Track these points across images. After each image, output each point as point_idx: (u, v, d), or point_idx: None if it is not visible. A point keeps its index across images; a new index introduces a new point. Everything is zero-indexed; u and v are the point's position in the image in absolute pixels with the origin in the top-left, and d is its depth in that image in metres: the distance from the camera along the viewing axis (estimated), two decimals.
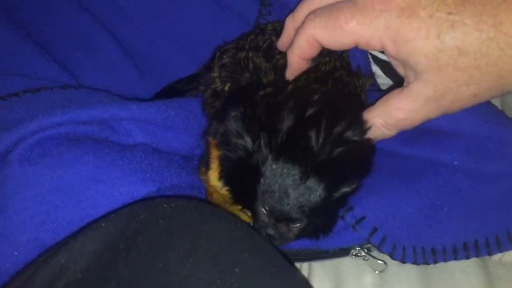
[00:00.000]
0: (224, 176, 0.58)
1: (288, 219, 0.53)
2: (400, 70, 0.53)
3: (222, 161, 0.58)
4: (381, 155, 0.64)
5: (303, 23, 0.53)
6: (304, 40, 0.53)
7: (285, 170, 0.50)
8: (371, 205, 0.60)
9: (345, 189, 0.53)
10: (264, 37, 0.65)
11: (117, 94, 0.69)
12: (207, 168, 0.61)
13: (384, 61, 0.77)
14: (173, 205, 0.45)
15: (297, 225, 0.53)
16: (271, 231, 0.54)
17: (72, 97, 0.61)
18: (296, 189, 0.51)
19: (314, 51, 0.55)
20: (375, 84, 0.75)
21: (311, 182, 0.51)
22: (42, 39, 0.73)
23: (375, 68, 0.78)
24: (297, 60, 0.56)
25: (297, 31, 0.54)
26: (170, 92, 0.77)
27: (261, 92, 0.56)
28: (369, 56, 0.75)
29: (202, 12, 0.78)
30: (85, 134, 0.57)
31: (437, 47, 0.46)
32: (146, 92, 0.78)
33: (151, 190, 0.55)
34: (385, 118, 0.53)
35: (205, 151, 0.63)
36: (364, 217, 0.59)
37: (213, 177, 0.60)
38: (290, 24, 0.58)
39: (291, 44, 0.55)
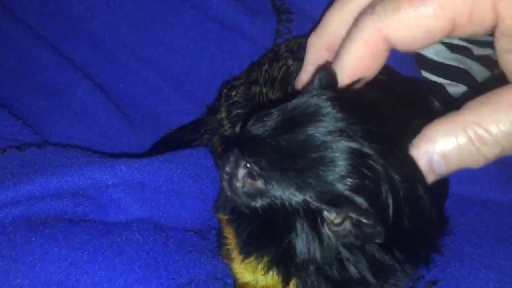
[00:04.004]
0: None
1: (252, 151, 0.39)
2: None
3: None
4: (469, 206, 0.55)
5: (356, 23, 0.39)
6: (363, 44, 0.39)
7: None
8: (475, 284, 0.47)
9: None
10: (279, 63, 0.57)
11: (98, 151, 0.60)
12: (229, 259, 0.49)
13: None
14: None
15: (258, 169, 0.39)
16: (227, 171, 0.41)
17: (32, 160, 0.50)
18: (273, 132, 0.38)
19: (377, 62, 0.40)
20: None
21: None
22: None
23: None
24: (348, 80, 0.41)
25: (347, 36, 0.40)
26: (170, 143, 0.66)
27: None
28: None
29: (205, 38, 0.68)
30: (54, 214, 0.46)
31: None
32: (137, 145, 0.67)
33: None
34: (488, 126, 0.35)
35: (219, 233, 0.52)
36: None
37: (241, 269, 0.47)
38: (317, 42, 0.44)
39: (336, 59, 0.41)
